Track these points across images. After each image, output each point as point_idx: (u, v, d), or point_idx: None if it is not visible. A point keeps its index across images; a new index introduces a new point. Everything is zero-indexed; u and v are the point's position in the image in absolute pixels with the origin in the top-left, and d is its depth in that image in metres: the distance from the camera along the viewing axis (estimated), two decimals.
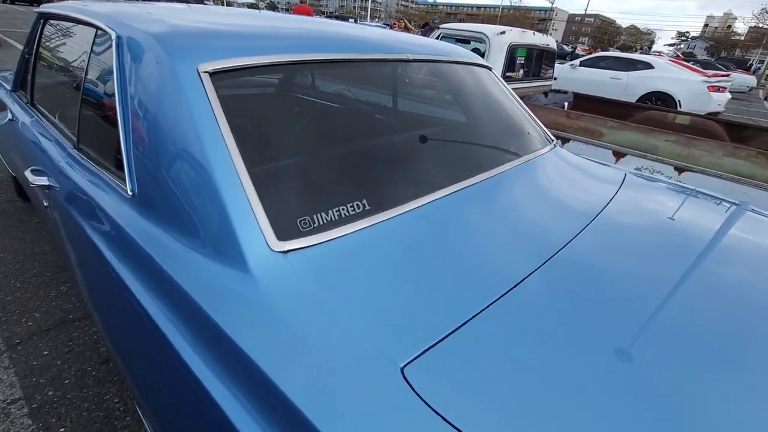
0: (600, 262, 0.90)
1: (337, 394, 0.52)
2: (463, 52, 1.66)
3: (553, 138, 1.70)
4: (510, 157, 1.34)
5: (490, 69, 1.73)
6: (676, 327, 0.70)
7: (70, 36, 1.43)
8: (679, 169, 2.84)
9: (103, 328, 1.01)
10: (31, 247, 2.19)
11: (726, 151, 2.72)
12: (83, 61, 1.23)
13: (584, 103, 4.62)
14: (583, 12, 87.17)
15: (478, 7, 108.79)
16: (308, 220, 0.76)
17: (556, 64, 9.55)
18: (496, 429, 0.50)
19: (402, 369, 0.55)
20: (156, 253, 0.76)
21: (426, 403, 0.51)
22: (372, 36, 1.28)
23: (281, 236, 0.72)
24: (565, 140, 3.33)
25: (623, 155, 3.05)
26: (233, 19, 1.20)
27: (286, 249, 0.71)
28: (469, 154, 1.33)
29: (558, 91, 4.46)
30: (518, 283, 0.74)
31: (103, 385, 1.46)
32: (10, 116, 1.68)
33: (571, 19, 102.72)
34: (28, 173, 1.25)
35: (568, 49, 25.98)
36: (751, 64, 31.59)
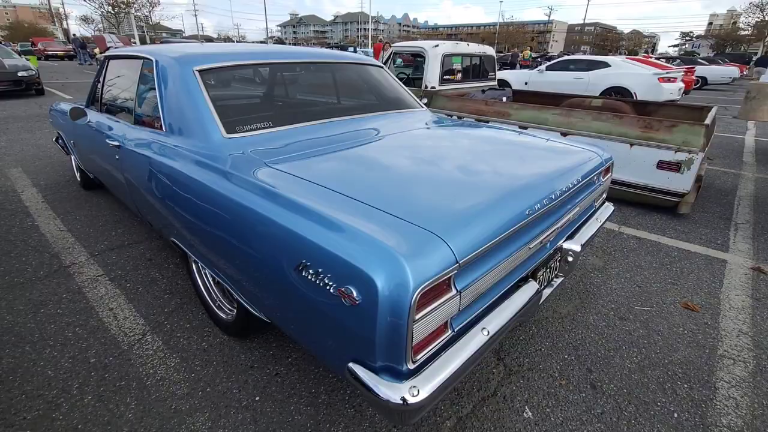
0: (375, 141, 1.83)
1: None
2: (364, 59, 2.65)
3: (423, 105, 2.64)
4: (384, 108, 2.33)
5: (381, 67, 2.71)
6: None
7: (125, 66, 2.48)
8: (564, 134, 3.72)
9: (166, 201, 1.93)
10: (95, 213, 3.24)
11: (593, 117, 3.61)
12: (135, 78, 2.26)
13: (523, 97, 5.57)
14: (582, 21, 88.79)
15: (478, 26, 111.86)
16: (240, 128, 1.74)
17: (528, 71, 10.51)
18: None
19: (266, 163, 1.50)
20: (182, 148, 1.74)
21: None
22: (293, 51, 2.29)
23: (228, 132, 1.69)
24: (486, 122, 4.26)
25: (526, 128, 3.95)
26: (214, 48, 2.21)
27: (229, 137, 1.68)
28: (345, 105, 2.31)
29: (495, 89, 5.41)
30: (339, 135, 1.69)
31: (149, 269, 2.44)
32: (88, 119, 2.74)
33: (571, 29, 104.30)
34: (106, 140, 2.28)
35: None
36: (750, 58, 31.72)
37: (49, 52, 26.10)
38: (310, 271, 1.07)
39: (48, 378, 1.63)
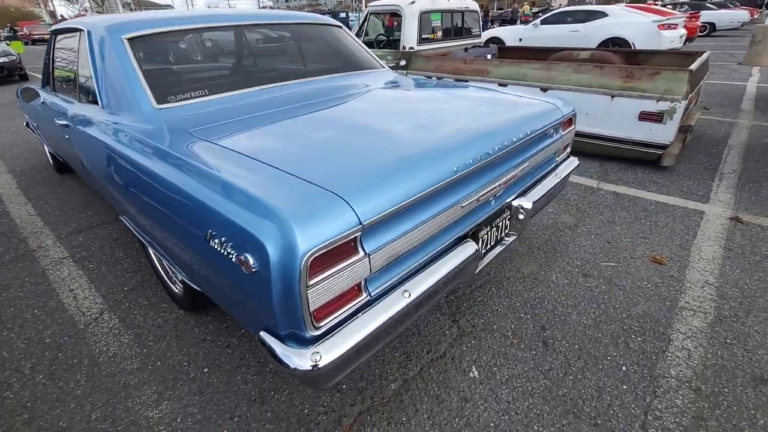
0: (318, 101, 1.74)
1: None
2: (318, 18, 2.51)
3: (384, 65, 2.52)
4: (337, 70, 2.23)
5: (340, 27, 2.57)
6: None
7: (68, 40, 2.37)
8: (544, 89, 3.56)
9: (106, 178, 1.89)
10: (67, 196, 3.21)
11: (573, 69, 3.44)
12: (76, 51, 2.16)
13: (509, 53, 5.32)
14: None
15: None
16: (172, 98, 1.66)
17: (523, 26, 10.03)
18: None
19: (190, 133, 1.43)
20: (115, 122, 1.67)
21: None
22: (236, 14, 2.16)
23: (159, 102, 1.62)
24: (465, 81, 4.09)
25: (505, 85, 3.79)
26: (149, 14, 2.09)
27: (160, 107, 1.61)
28: (292, 68, 2.21)
29: (479, 46, 5.17)
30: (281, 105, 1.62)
31: (114, 249, 2.43)
32: (42, 100, 2.66)
33: None
34: (55, 120, 2.21)
35: None
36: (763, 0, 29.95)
37: (36, 36, 25.56)
38: (216, 240, 1.03)
39: (2, 359, 1.65)
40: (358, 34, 4.95)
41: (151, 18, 1.92)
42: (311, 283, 0.90)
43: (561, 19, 9.23)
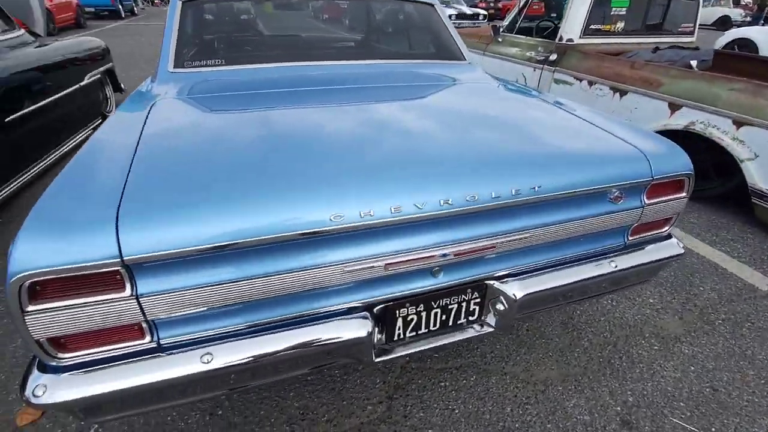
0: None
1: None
2: None
3: (466, 57, 2.03)
4: (403, 56, 1.99)
5: (432, 6, 2.17)
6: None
7: None
8: (738, 123, 2.38)
9: None
10: None
11: None
12: None
13: (728, 62, 3.76)
14: None
15: None
16: (188, 63, 1.66)
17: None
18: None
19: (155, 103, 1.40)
20: (152, 80, 1.79)
21: None
22: None
23: (176, 66, 1.64)
24: (623, 93, 3.07)
25: (678, 107, 2.67)
26: None
27: (172, 71, 1.62)
28: (340, 48, 1.98)
29: (681, 47, 3.77)
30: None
31: None
32: None
33: None
34: None
35: None
36: None
37: None
38: None
39: None
40: (516, 17, 4.22)
41: None
42: (30, 309, 0.75)
43: None
